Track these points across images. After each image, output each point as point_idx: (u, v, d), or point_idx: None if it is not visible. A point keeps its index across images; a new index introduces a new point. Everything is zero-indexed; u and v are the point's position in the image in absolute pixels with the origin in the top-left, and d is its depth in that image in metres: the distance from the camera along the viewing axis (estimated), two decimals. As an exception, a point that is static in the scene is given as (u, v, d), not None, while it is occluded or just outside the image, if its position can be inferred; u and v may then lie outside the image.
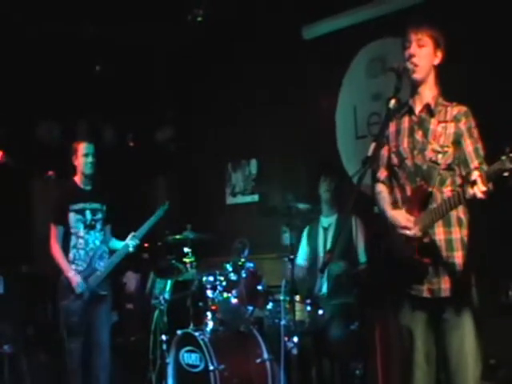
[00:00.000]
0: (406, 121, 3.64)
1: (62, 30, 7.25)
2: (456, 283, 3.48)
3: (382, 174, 3.73)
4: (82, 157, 5.61)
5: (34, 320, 6.51)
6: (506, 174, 3.00)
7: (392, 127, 3.69)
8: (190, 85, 8.26)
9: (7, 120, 6.89)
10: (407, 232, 3.47)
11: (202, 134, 8.11)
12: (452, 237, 3.50)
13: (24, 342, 6.40)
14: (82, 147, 5.62)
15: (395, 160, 3.65)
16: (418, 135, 3.57)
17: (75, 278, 5.45)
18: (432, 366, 3.57)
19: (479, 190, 3.09)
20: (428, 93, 3.59)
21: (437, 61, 3.58)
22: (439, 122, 3.52)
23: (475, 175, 3.13)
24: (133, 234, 5.61)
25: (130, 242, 5.58)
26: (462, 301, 3.48)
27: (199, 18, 7.23)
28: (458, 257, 3.49)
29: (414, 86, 3.61)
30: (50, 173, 5.56)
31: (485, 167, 3.34)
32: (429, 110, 3.57)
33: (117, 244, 5.75)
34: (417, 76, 3.54)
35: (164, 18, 7.54)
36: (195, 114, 8.29)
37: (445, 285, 3.47)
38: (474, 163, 3.43)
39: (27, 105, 7.23)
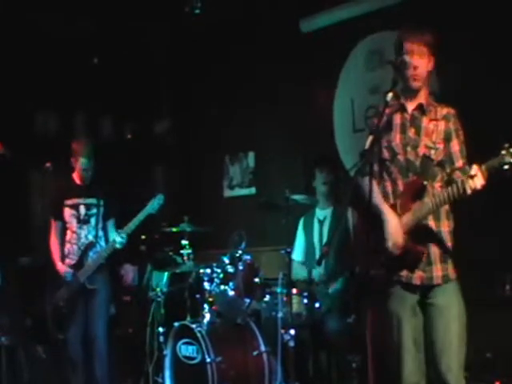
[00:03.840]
0: (397, 117, 3.75)
1: (60, 22, 7.24)
2: (446, 271, 3.61)
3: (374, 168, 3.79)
4: (81, 168, 5.71)
5: (33, 312, 6.51)
6: (506, 167, 3.20)
7: (382, 121, 3.72)
8: (189, 77, 8.25)
9: (5, 111, 6.87)
10: (389, 243, 3.58)
11: (199, 127, 8.11)
12: (441, 229, 3.64)
13: (22, 334, 6.40)
14: (81, 162, 5.69)
15: (387, 154, 3.74)
16: (411, 132, 3.69)
17: (62, 269, 5.59)
18: (420, 351, 3.66)
19: (479, 183, 3.26)
20: (422, 93, 3.72)
21: (431, 67, 3.69)
22: (431, 120, 3.66)
23: (474, 169, 3.28)
24: (119, 231, 5.57)
25: (117, 238, 5.53)
26: (449, 287, 3.61)
27: (197, 10, 7.22)
28: (449, 246, 3.64)
29: (410, 90, 3.71)
30: (48, 164, 5.58)
31: (468, 168, 3.46)
32: (421, 109, 3.69)
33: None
34: (417, 84, 3.67)
35: (163, 11, 7.55)
36: (193, 107, 8.28)
37: (436, 273, 3.60)
38: (459, 162, 3.60)
39: (26, 96, 7.22)
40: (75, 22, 7.38)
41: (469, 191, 3.29)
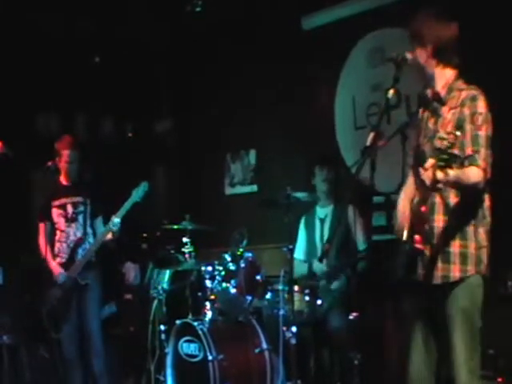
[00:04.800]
0: (426, 110, 3.69)
1: (60, 22, 7.25)
2: (447, 272, 3.50)
3: (411, 159, 3.75)
4: (67, 163, 5.76)
5: (34, 311, 6.52)
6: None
7: (420, 115, 3.74)
8: (189, 76, 8.26)
9: (7, 111, 6.88)
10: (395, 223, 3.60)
11: (201, 125, 8.10)
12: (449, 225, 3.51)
13: (24, 333, 6.40)
14: (67, 154, 5.74)
15: (417, 147, 3.69)
16: (431, 123, 3.61)
17: (56, 270, 5.65)
18: (431, 352, 3.58)
19: (426, 178, 3.21)
20: (440, 82, 3.61)
21: (428, 53, 3.58)
22: (450, 109, 3.52)
23: (429, 163, 3.19)
24: (113, 216, 5.60)
25: (113, 219, 5.56)
26: (457, 287, 3.49)
27: (198, 8, 7.23)
28: (455, 245, 3.50)
29: (428, 80, 3.65)
30: (50, 163, 5.61)
31: (477, 156, 3.35)
32: (438, 98, 3.58)
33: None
34: (427, 73, 3.61)
35: (163, 11, 7.55)
36: (194, 106, 8.28)
37: (438, 272, 3.49)
38: (468, 150, 3.39)
39: (27, 96, 7.22)
40: (75, 22, 7.39)
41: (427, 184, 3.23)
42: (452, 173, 3.19)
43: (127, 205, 5.60)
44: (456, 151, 3.20)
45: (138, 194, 5.63)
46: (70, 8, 7.16)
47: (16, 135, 6.31)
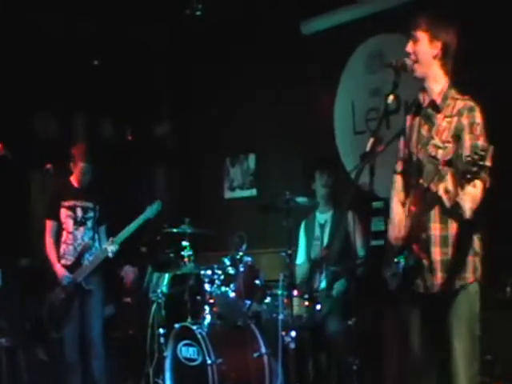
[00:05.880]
0: (417, 117, 3.63)
1: (60, 22, 7.25)
2: (450, 279, 3.45)
3: (398, 166, 3.73)
4: (81, 173, 5.77)
5: (33, 314, 6.52)
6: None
7: (408, 122, 3.69)
8: (189, 79, 8.25)
9: (5, 112, 6.88)
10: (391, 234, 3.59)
11: (200, 129, 8.10)
12: (448, 233, 3.46)
13: (22, 336, 6.40)
14: (82, 167, 5.75)
15: (407, 154, 3.66)
16: (424, 130, 3.56)
17: (61, 272, 5.64)
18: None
19: (448, 198, 3.21)
20: (435, 87, 3.55)
21: (435, 52, 3.51)
22: (445, 117, 3.48)
23: (446, 183, 3.22)
24: (111, 238, 5.67)
25: (109, 247, 5.63)
26: (457, 296, 3.46)
27: (198, 12, 7.23)
28: (453, 254, 3.45)
29: (420, 82, 3.59)
30: (48, 166, 5.60)
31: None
32: (434, 106, 3.54)
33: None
34: (416, 73, 3.53)
35: (163, 12, 7.54)
36: (194, 109, 8.28)
37: (436, 281, 3.46)
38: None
39: (26, 97, 7.22)
40: (75, 22, 7.39)
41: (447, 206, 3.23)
42: (467, 206, 3.21)
43: (135, 223, 5.68)
44: (488, 163, 3.09)
45: (151, 211, 5.72)
46: (70, 8, 7.14)
47: (15, 137, 6.30)
